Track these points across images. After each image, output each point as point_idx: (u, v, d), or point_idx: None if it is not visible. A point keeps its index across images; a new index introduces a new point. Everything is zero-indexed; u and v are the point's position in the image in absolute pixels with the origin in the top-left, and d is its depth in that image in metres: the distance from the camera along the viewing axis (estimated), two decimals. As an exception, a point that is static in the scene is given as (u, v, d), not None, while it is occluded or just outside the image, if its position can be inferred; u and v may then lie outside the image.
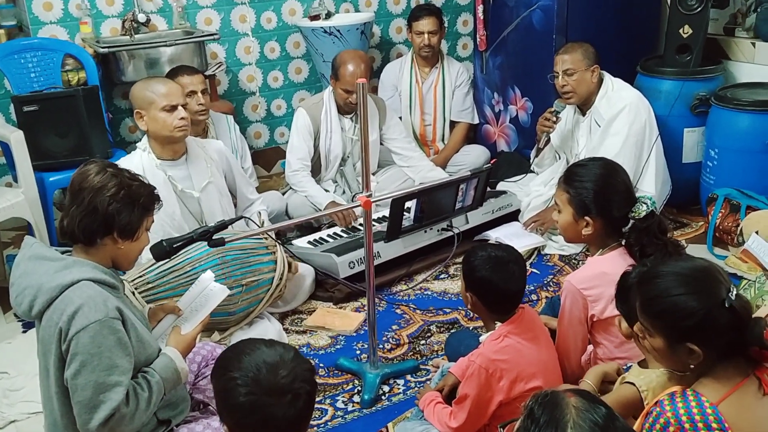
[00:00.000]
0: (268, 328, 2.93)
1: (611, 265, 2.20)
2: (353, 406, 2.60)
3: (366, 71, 3.78)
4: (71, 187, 1.99)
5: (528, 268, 3.41)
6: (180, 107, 2.92)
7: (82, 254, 1.98)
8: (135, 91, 2.97)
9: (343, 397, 2.65)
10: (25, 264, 1.95)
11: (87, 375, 1.83)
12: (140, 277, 2.76)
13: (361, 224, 3.58)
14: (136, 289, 2.70)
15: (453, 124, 4.62)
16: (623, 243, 2.27)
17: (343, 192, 4.00)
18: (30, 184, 3.28)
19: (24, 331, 3.09)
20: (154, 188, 2.07)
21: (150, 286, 2.76)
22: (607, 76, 3.64)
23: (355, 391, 2.68)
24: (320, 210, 3.71)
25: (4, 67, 3.76)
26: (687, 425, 1.47)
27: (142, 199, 1.99)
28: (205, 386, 2.31)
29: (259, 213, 3.33)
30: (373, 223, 3.16)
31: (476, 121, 4.72)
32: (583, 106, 3.69)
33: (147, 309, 2.25)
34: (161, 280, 2.78)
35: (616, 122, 3.55)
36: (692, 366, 1.56)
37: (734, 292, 1.51)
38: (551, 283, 3.36)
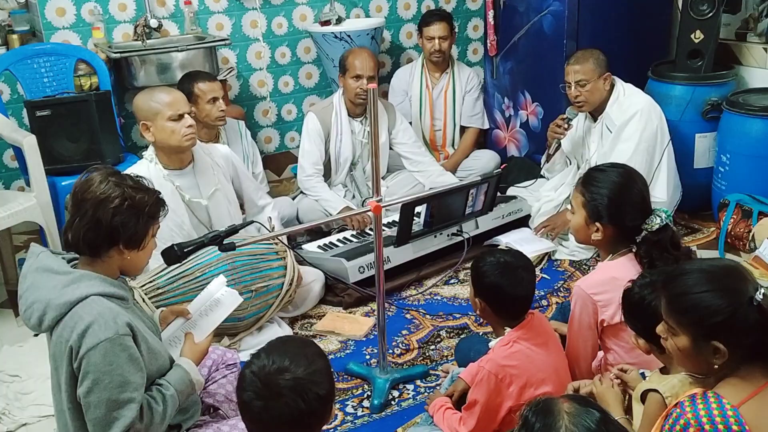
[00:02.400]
0: (278, 333, 2.92)
1: (621, 270, 2.19)
2: (363, 412, 2.60)
3: (373, 61, 3.81)
4: (74, 196, 1.93)
5: (538, 273, 3.40)
6: (186, 115, 2.87)
7: (89, 266, 1.94)
8: (139, 103, 2.91)
9: (353, 402, 2.65)
10: (32, 276, 1.91)
11: (99, 393, 1.81)
12: (150, 282, 2.77)
13: (371, 229, 3.58)
14: (146, 294, 2.71)
15: (463, 129, 4.61)
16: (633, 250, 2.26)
17: (353, 196, 4.00)
18: (42, 188, 3.30)
19: (36, 335, 3.10)
20: (159, 193, 2.03)
21: (160, 291, 2.76)
22: (618, 82, 3.62)
23: (365, 396, 2.68)
24: (332, 215, 3.72)
25: (17, 72, 3.78)
26: (707, 427, 1.45)
27: (147, 208, 1.95)
28: (216, 390, 2.31)
29: (270, 218, 3.32)
30: (383, 227, 3.16)
31: (486, 126, 4.71)
32: (595, 112, 3.67)
33: (157, 313, 2.25)
34: (171, 286, 2.78)
35: (628, 128, 3.54)
36: (716, 366, 1.54)
37: (762, 291, 1.49)
38: (561, 289, 3.34)
